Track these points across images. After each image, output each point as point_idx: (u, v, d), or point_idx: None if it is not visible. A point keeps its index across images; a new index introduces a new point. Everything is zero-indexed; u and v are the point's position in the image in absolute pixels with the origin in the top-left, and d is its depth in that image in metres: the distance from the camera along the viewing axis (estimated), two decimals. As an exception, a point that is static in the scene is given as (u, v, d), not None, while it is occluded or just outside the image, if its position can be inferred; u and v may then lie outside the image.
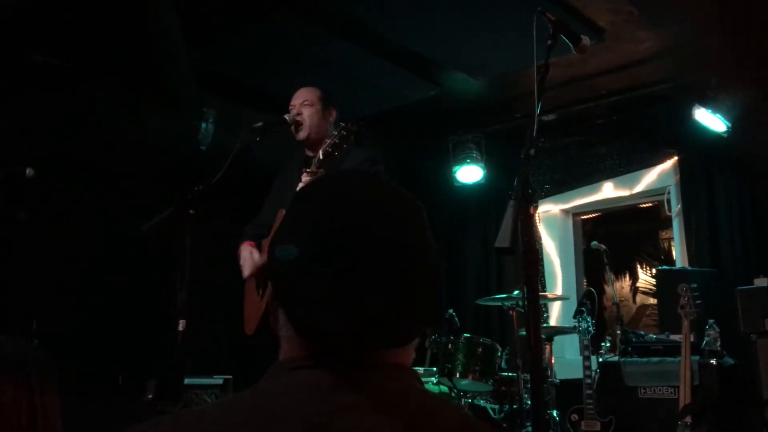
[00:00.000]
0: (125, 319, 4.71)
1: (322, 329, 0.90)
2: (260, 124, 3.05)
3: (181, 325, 2.54)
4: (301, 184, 2.84)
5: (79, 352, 4.43)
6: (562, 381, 4.65)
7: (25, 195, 3.65)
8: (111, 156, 4.85)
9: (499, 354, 4.54)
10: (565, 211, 6.42)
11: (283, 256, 0.92)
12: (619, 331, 4.59)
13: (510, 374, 4.48)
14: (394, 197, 0.98)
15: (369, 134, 3.31)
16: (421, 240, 0.97)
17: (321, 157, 2.80)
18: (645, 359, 4.34)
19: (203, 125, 4.81)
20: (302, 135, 3.22)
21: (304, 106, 3.24)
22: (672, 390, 4.11)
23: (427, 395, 0.95)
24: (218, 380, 4.71)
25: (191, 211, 2.70)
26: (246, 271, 3.21)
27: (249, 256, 3.20)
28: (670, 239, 6.56)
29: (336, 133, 2.80)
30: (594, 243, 5.11)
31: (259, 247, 3.30)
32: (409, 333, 0.95)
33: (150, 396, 4.11)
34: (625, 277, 8.96)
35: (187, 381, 4.43)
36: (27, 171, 3.54)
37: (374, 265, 0.90)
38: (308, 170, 2.86)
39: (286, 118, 3.20)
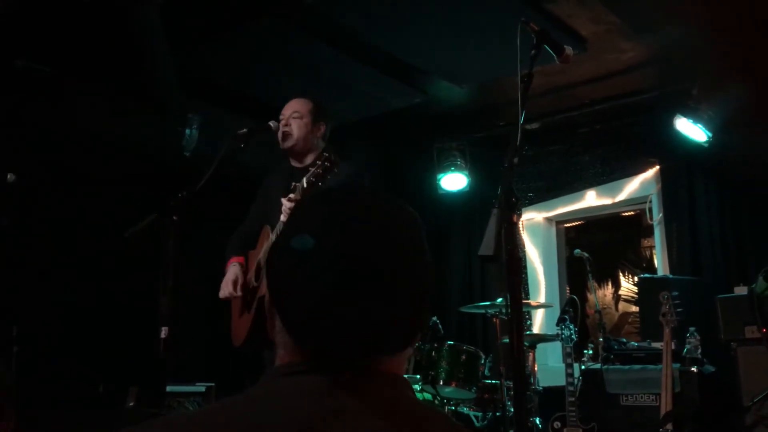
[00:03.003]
0: (107, 326, 4.67)
1: (316, 334, 0.91)
2: (244, 130, 3.05)
3: (164, 332, 2.52)
4: (284, 209, 2.83)
5: (60, 359, 4.39)
6: (545, 388, 4.67)
7: (6, 201, 3.62)
8: (94, 162, 4.81)
9: (483, 361, 4.55)
10: (549, 219, 6.45)
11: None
12: (601, 339, 4.61)
13: (493, 382, 4.49)
14: (390, 207, 1.01)
15: (354, 141, 3.32)
16: (417, 249, 1.00)
17: (305, 185, 2.79)
18: (627, 367, 4.37)
19: (187, 131, 4.79)
20: (287, 144, 3.22)
21: (293, 117, 3.23)
22: (653, 397, 4.14)
23: (417, 403, 0.96)
24: (200, 388, 4.69)
25: (174, 218, 2.69)
26: (223, 292, 3.22)
27: (230, 280, 3.21)
28: (652, 247, 6.60)
29: (319, 162, 2.79)
30: (577, 251, 5.14)
31: (246, 260, 3.29)
32: (403, 340, 0.96)
33: (131, 403, 4.08)
34: (607, 284, 9.00)
35: (169, 388, 4.40)
36: (8, 176, 3.50)
37: (372, 272, 0.91)
38: (292, 197, 2.84)
39: (271, 125, 3.20)
